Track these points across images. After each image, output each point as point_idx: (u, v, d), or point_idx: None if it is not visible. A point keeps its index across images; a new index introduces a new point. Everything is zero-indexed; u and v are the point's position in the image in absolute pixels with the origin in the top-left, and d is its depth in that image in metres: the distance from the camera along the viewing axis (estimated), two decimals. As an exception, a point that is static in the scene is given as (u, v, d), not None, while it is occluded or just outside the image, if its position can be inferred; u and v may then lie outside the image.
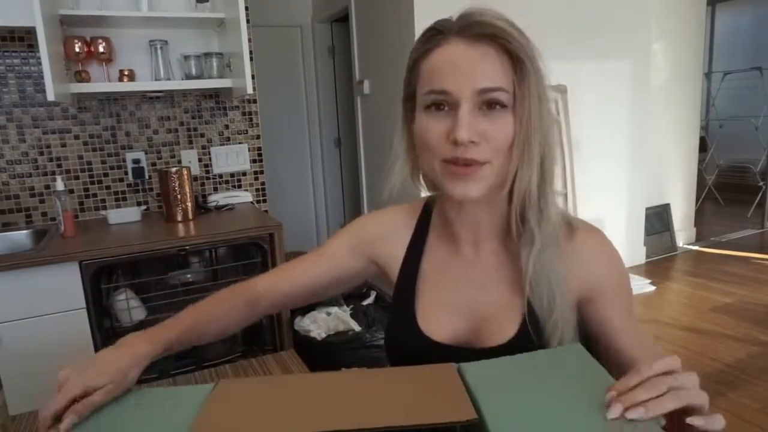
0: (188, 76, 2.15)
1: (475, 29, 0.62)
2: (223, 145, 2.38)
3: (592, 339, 0.71)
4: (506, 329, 0.69)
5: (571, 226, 0.71)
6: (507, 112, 0.62)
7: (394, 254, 0.80)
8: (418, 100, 0.67)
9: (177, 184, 2.02)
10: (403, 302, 0.76)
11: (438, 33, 0.65)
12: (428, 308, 0.75)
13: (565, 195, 2.85)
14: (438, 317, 0.74)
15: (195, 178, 2.33)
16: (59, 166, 2.12)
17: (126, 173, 2.23)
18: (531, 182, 0.64)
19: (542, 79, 0.64)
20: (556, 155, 0.68)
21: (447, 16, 0.66)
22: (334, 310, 2.38)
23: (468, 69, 0.62)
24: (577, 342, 0.69)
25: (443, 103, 0.63)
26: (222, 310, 0.80)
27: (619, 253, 0.73)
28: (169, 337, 0.70)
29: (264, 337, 2.02)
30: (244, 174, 2.44)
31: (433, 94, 0.64)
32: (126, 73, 2.06)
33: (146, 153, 2.25)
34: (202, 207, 2.25)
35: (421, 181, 0.75)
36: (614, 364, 0.67)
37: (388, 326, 0.81)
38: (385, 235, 0.83)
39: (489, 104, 0.62)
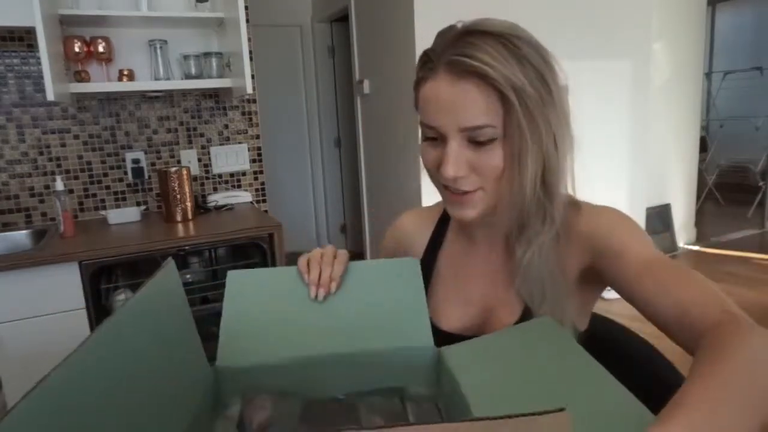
0: (188, 76, 2.15)
1: (460, 66, 0.61)
2: (223, 145, 2.38)
3: (632, 303, 0.64)
4: (508, 320, 0.73)
5: (579, 207, 0.72)
6: (496, 144, 0.63)
7: (417, 251, 0.85)
8: (420, 126, 0.70)
9: (176, 184, 2.02)
10: None
11: (429, 61, 0.66)
12: (440, 302, 0.80)
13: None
14: (449, 310, 0.79)
15: (194, 178, 2.32)
16: (59, 166, 2.12)
17: (125, 173, 2.23)
18: (527, 197, 0.65)
19: (541, 105, 0.62)
20: (563, 169, 0.67)
21: (453, 24, 0.66)
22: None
23: (452, 107, 0.63)
24: (582, 325, 0.75)
25: (436, 135, 0.66)
26: None
27: (628, 216, 0.71)
28: None
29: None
30: (244, 174, 2.43)
31: (425, 128, 0.67)
32: (125, 72, 2.05)
33: (146, 153, 2.25)
34: (201, 207, 2.25)
35: None
36: (653, 321, 0.59)
37: None
38: (412, 233, 0.88)
39: (476, 139, 0.63)
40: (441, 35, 0.66)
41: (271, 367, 0.62)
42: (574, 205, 0.72)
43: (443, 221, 0.86)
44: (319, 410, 0.60)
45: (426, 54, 0.67)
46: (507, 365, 0.56)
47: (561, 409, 0.31)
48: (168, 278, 0.56)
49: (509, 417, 0.30)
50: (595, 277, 0.70)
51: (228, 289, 0.69)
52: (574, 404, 0.46)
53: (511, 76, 0.60)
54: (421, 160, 0.73)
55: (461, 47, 0.61)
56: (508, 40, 0.61)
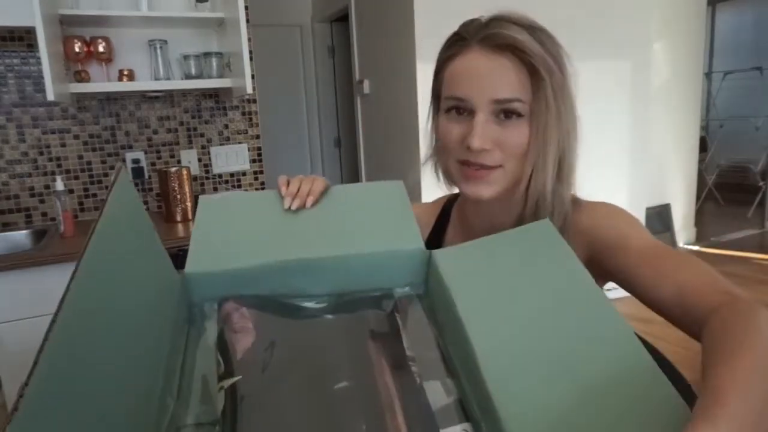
0: (188, 76, 2.15)
1: (494, 40, 0.64)
2: (223, 145, 2.38)
3: (633, 293, 0.64)
4: None
5: (579, 203, 0.72)
6: (522, 121, 0.65)
7: None
8: (442, 102, 0.71)
9: (177, 184, 2.02)
10: None
11: (460, 39, 0.68)
12: None
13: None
14: None
15: (195, 178, 2.32)
16: (59, 166, 2.12)
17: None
18: (546, 185, 0.67)
19: (562, 88, 0.66)
20: (575, 157, 0.70)
21: (476, 17, 0.69)
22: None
23: (485, 79, 0.65)
24: None
25: (462, 109, 0.67)
26: None
27: (624, 209, 0.71)
28: None
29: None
30: (244, 174, 2.43)
31: (452, 100, 0.68)
32: (125, 72, 2.06)
33: (146, 153, 2.25)
34: (201, 207, 2.24)
35: (440, 177, 0.79)
36: (654, 308, 0.60)
37: None
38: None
39: (505, 113, 0.65)
40: (468, 24, 0.69)
41: (242, 273, 0.58)
42: (575, 201, 0.73)
43: (443, 217, 0.85)
44: (305, 332, 0.55)
45: (457, 33, 0.69)
46: (499, 276, 0.54)
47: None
48: (124, 191, 0.53)
49: None
50: (595, 273, 0.67)
51: (199, 210, 0.66)
52: (563, 327, 0.47)
53: (544, 56, 0.64)
54: (435, 137, 0.74)
55: (495, 27, 0.65)
56: (531, 28, 0.65)
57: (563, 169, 0.68)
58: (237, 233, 0.62)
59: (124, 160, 2.21)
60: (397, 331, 0.55)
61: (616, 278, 0.65)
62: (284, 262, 0.59)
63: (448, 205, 0.87)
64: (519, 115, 0.65)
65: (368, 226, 0.64)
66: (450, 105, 0.68)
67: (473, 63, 0.66)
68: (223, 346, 0.53)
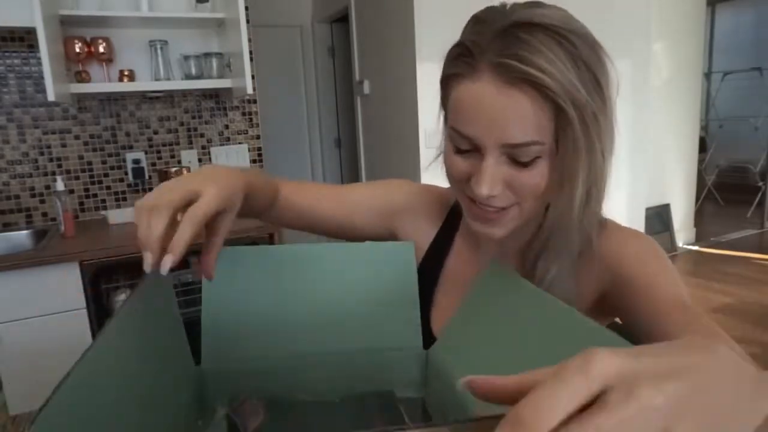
0: (188, 76, 2.15)
1: (509, 71, 0.50)
2: (223, 145, 2.38)
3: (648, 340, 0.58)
4: None
5: (606, 227, 0.64)
6: (541, 161, 0.54)
7: (417, 239, 0.73)
8: (447, 123, 0.59)
9: (177, 184, 2.02)
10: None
11: (469, 55, 0.53)
12: (440, 314, 0.71)
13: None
14: None
15: (195, 178, 2.33)
16: (59, 166, 2.12)
17: (126, 173, 2.23)
18: (570, 219, 0.58)
19: (597, 118, 0.53)
20: (608, 177, 0.58)
21: (494, 8, 0.55)
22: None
23: (495, 119, 0.52)
24: None
25: (469, 147, 0.56)
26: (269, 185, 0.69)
27: (657, 246, 0.64)
28: (252, 181, 0.60)
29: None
30: (244, 174, 2.44)
31: (457, 135, 0.56)
32: (126, 73, 2.06)
33: (146, 153, 2.25)
34: (202, 207, 2.25)
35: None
36: None
37: None
38: (415, 211, 0.76)
39: (518, 157, 0.54)
40: (481, 22, 0.54)
41: (256, 369, 0.60)
42: (601, 224, 0.64)
43: (452, 216, 0.75)
44: (317, 413, 0.59)
45: (464, 45, 0.54)
46: (495, 340, 0.54)
47: None
48: (157, 277, 0.54)
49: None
50: (608, 306, 0.63)
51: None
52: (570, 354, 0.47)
53: (570, 86, 0.50)
54: (443, 167, 0.63)
55: (511, 45, 0.50)
56: (564, 37, 0.50)
57: (592, 196, 0.57)
58: (244, 321, 0.61)
59: (124, 160, 2.22)
60: (398, 410, 0.58)
61: (631, 319, 0.58)
62: (290, 359, 0.60)
63: (458, 204, 0.75)
64: (536, 157, 0.53)
65: (372, 316, 0.62)
66: (454, 139, 0.57)
67: (483, 98, 0.52)
68: None
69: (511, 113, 0.51)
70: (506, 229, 0.59)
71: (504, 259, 0.70)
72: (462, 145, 0.56)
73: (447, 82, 0.57)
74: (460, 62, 0.54)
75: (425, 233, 0.75)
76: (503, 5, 0.55)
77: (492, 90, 0.52)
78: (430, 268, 0.73)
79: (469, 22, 0.57)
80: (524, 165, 0.54)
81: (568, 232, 0.59)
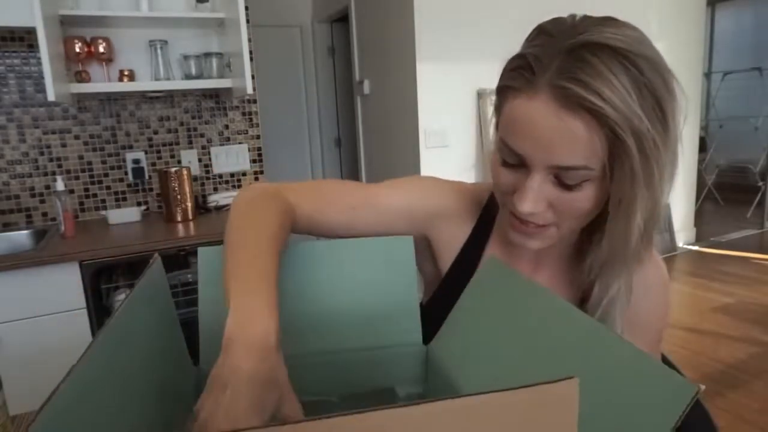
0: (188, 76, 2.15)
1: (568, 96, 0.49)
2: (223, 145, 2.38)
3: None
4: None
5: (649, 254, 0.64)
6: (588, 184, 0.53)
7: (450, 242, 0.72)
8: (497, 132, 0.59)
9: (177, 184, 2.02)
10: (448, 305, 0.65)
11: (528, 70, 0.52)
12: None
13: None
14: None
15: (195, 178, 2.33)
16: (59, 166, 2.12)
17: (126, 173, 2.23)
18: (632, 249, 0.57)
19: (657, 146, 0.51)
20: (664, 202, 0.56)
21: (562, 19, 0.54)
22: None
23: (548, 141, 0.51)
24: None
25: (516, 162, 0.56)
26: (286, 234, 0.62)
27: (664, 278, 0.69)
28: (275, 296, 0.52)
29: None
30: (244, 174, 2.44)
31: (505, 147, 0.56)
32: (126, 73, 2.06)
33: (146, 153, 2.25)
34: (202, 207, 2.25)
35: None
36: None
37: (424, 320, 0.69)
38: (449, 214, 0.73)
39: (565, 180, 0.54)
40: (547, 35, 0.53)
41: None
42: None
43: (486, 217, 0.72)
44: (317, 413, 0.59)
45: (525, 59, 0.53)
46: (494, 334, 0.54)
47: (570, 377, 0.31)
48: (155, 278, 0.54)
49: (521, 387, 0.31)
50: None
51: (201, 272, 0.61)
52: (573, 359, 0.46)
53: (632, 116, 0.48)
54: (490, 172, 0.62)
55: (574, 67, 0.49)
56: (632, 61, 0.49)
57: (647, 230, 0.56)
58: None
59: (124, 160, 2.22)
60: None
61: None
62: (290, 357, 0.58)
63: (491, 203, 0.72)
64: (583, 180, 0.53)
65: (371, 314, 0.62)
66: (503, 152, 0.57)
67: (537, 118, 0.51)
68: None
69: (563, 136, 0.50)
70: (544, 243, 0.59)
71: (538, 266, 0.71)
72: (510, 159, 0.56)
73: (503, 92, 0.56)
74: (519, 76, 0.53)
75: (458, 237, 0.73)
76: (572, 17, 0.54)
77: (547, 111, 0.50)
78: (462, 269, 0.71)
79: (533, 31, 0.55)
80: (570, 188, 0.53)
81: (625, 263, 0.59)
